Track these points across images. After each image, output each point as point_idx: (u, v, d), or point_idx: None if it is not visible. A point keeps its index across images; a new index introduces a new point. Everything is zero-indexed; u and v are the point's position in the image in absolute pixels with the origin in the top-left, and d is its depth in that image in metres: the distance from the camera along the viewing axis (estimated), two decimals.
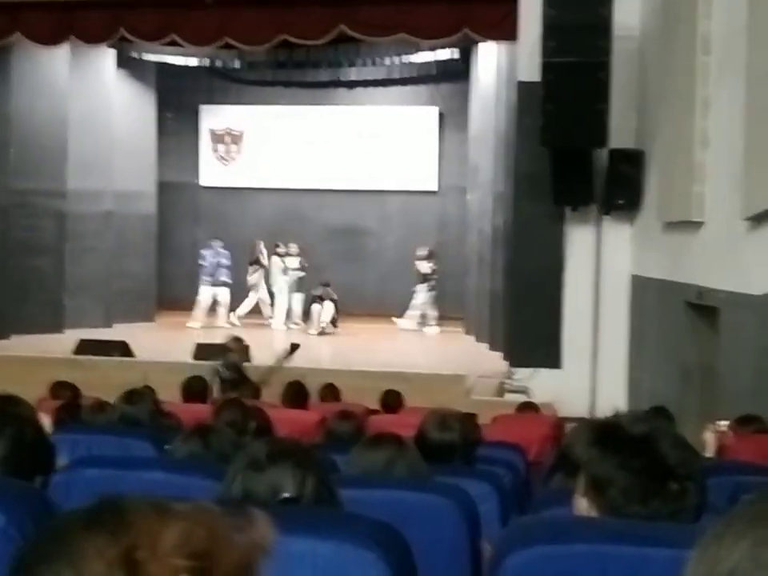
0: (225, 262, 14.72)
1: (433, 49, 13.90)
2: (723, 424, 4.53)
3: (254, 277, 14.85)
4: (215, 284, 14.57)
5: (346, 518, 1.80)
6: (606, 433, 1.73)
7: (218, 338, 10.25)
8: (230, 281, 14.62)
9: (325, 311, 14.04)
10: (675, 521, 1.62)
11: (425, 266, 14.61)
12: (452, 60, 14.65)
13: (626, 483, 1.65)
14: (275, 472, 1.87)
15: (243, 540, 0.86)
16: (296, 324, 14.60)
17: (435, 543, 2.14)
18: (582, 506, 1.74)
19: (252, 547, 0.86)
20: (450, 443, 3.28)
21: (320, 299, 14.10)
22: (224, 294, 14.60)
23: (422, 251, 14.76)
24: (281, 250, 14.70)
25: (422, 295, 14.57)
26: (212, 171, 16.89)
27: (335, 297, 14.20)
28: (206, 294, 14.60)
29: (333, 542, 1.60)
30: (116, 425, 4.32)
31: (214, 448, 3.04)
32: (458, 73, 15.23)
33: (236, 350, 8.40)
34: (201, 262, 14.80)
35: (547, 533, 1.61)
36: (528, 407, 7.87)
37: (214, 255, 14.74)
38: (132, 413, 4.35)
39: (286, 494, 1.85)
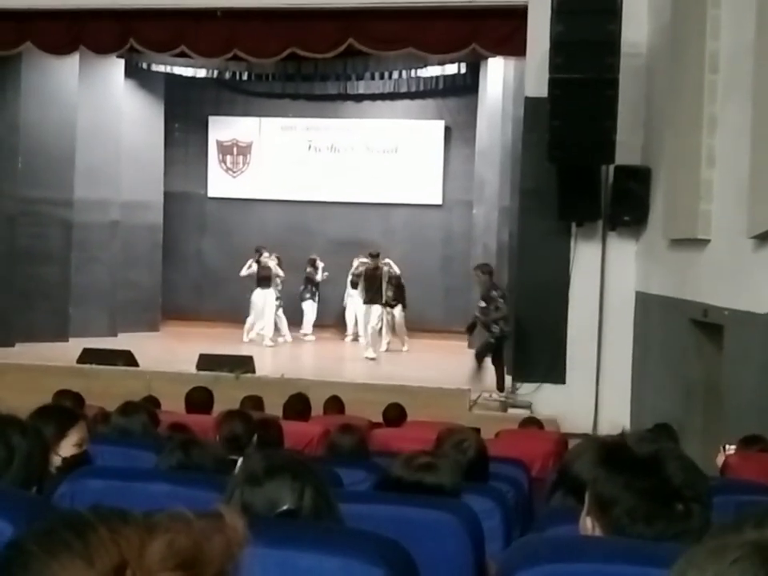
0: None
1: (441, 63, 13.99)
2: (732, 448, 4.52)
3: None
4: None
5: (353, 533, 1.80)
6: (612, 452, 1.73)
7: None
8: None
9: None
10: (680, 542, 1.62)
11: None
12: (459, 74, 14.72)
13: (632, 503, 1.65)
14: (273, 485, 1.88)
15: (222, 540, 0.86)
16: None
17: (440, 559, 2.14)
18: (587, 525, 1.74)
19: (230, 545, 0.87)
20: (467, 464, 3.28)
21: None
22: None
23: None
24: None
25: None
26: (219, 182, 16.92)
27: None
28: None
29: (340, 557, 1.61)
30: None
31: (194, 461, 3.05)
32: (465, 87, 15.26)
33: None
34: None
35: (553, 551, 1.61)
36: (531, 422, 7.86)
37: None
38: (124, 424, 4.36)
39: (285, 507, 1.85)
